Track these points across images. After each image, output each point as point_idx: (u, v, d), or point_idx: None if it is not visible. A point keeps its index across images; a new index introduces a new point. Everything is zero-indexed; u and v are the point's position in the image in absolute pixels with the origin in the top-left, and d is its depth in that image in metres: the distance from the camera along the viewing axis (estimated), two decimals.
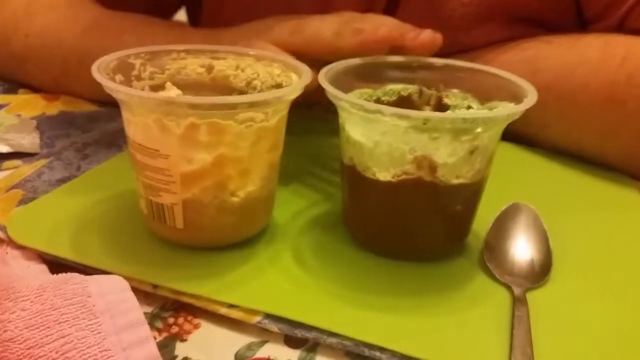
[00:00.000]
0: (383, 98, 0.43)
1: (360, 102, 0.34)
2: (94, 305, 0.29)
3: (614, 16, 0.53)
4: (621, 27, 0.52)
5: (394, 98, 0.43)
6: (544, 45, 0.53)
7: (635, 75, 0.47)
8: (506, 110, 0.35)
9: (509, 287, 0.36)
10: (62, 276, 0.30)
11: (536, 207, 0.40)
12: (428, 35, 0.43)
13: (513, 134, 0.55)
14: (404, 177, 0.35)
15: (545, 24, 0.56)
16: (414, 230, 0.37)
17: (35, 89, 0.62)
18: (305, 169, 0.48)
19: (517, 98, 0.36)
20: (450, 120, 0.32)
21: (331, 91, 0.35)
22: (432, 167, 0.34)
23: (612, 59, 0.49)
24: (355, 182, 0.37)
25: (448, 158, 0.34)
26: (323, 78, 0.36)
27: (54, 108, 0.59)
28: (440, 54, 0.53)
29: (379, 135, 0.34)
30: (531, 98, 0.35)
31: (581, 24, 0.56)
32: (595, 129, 0.50)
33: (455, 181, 0.35)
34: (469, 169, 0.35)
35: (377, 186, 0.36)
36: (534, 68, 0.52)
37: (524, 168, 0.52)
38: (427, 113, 0.32)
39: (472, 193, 0.37)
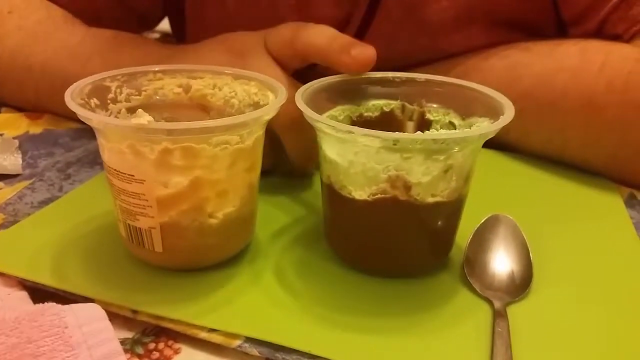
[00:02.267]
0: (366, 114, 0.43)
1: (333, 123, 0.34)
2: (70, 337, 0.29)
3: (592, 21, 0.53)
4: (600, 32, 0.53)
5: (376, 114, 0.43)
6: (524, 53, 0.53)
7: (614, 81, 0.47)
8: (478, 131, 0.35)
9: (489, 301, 0.36)
10: (39, 307, 0.31)
11: (516, 217, 0.40)
12: (364, 52, 0.41)
13: (494, 142, 0.55)
14: (379, 196, 0.35)
15: (525, 27, 0.56)
16: (393, 247, 0.37)
17: (18, 108, 0.61)
18: (288, 184, 0.48)
19: (496, 114, 0.36)
20: (420, 141, 0.32)
21: (306, 112, 0.35)
22: (407, 186, 0.34)
23: (591, 65, 0.49)
24: (333, 200, 0.38)
25: (422, 177, 0.34)
26: (299, 98, 0.36)
27: (38, 126, 0.58)
28: (422, 59, 0.53)
29: (353, 155, 0.35)
30: (507, 116, 0.35)
31: (561, 27, 0.56)
32: (576, 135, 0.50)
33: (431, 200, 0.35)
34: (445, 188, 0.35)
35: (353, 204, 0.36)
36: (514, 75, 0.52)
37: (505, 176, 0.52)
38: (397, 134, 0.32)
39: (450, 211, 0.37)
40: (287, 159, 0.46)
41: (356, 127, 0.33)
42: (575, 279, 0.39)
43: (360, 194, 0.35)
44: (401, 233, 0.36)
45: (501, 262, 0.38)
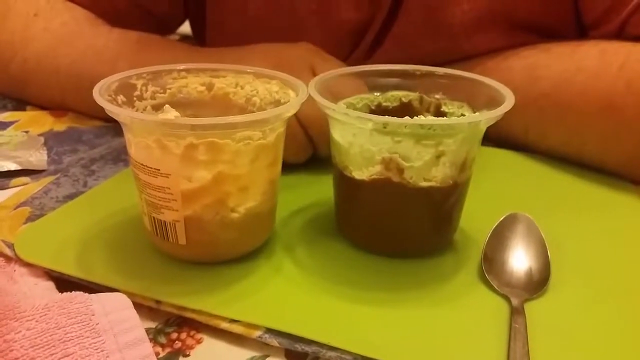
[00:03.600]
0: (384, 104, 0.44)
1: (332, 105, 0.36)
2: (97, 324, 0.29)
3: (613, 22, 0.53)
4: (620, 34, 0.53)
5: (395, 104, 0.44)
6: (543, 54, 0.54)
7: (634, 81, 0.47)
8: (466, 119, 0.38)
9: (507, 298, 0.36)
10: (66, 295, 0.31)
11: (534, 216, 0.40)
12: None
13: (513, 142, 0.56)
14: (375, 176, 0.37)
15: (546, 30, 0.56)
16: (391, 227, 0.39)
17: (42, 107, 0.63)
18: (306, 176, 0.49)
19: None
20: (407, 125, 0.34)
21: (317, 99, 0.37)
22: (400, 169, 0.36)
23: (611, 66, 0.49)
24: (339, 180, 0.40)
25: (414, 161, 0.36)
26: (312, 85, 0.38)
27: (62, 124, 0.60)
28: (441, 61, 0.54)
29: (352, 137, 0.37)
30: (503, 107, 0.36)
31: (581, 30, 0.56)
32: (594, 136, 0.50)
33: (424, 184, 0.36)
34: (437, 173, 0.36)
35: (354, 184, 0.38)
36: (533, 76, 0.53)
37: (523, 175, 0.52)
38: (386, 118, 0.34)
39: (445, 196, 0.38)
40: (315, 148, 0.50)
41: (352, 110, 0.35)
42: (593, 277, 0.39)
43: (359, 174, 0.37)
44: (397, 214, 0.38)
45: (519, 260, 0.38)
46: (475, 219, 0.42)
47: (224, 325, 0.34)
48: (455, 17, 0.55)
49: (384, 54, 0.58)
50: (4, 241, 0.40)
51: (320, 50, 0.52)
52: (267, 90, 0.41)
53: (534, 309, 0.35)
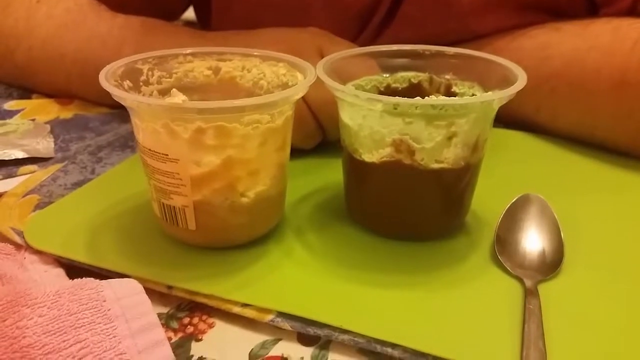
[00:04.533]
0: (393, 85, 0.44)
1: (341, 87, 0.36)
2: (109, 310, 0.29)
3: (624, 0, 0.52)
4: (633, 11, 0.52)
5: (404, 85, 0.44)
6: (554, 32, 0.53)
7: None
8: (478, 99, 0.37)
9: (520, 280, 0.36)
10: (77, 281, 0.31)
11: (547, 197, 0.40)
12: None
13: (524, 122, 0.55)
14: (385, 159, 0.36)
15: (555, 9, 0.55)
16: (401, 210, 0.39)
17: (48, 94, 0.63)
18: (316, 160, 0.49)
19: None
20: (419, 105, 0.34)
21: (325, 81, 0.36)
22: (410, 151, 0.35)
23: (624, 43, 0.48)
24: (348, 163, 0.40)
25: (425, 143, 0.35)
26: (320, 66, 0.38)
27: (68, 111, 0.59)
28: (450, 42, 0.53)
29: (361, 119, 0.36)
30: (515, 86, 0.35)
31: (591, 8, 0.55)
32: (607, 115, 0.49)
33: (435, 165, 0.36)
34: (449, 155, 0.36)
35: (364, 167, 0.38)
36: (545, 55, 0.52)
37: (535, 156, 0.52)
38: (397, 99, 0.34)
39: (456, 178, 0.37)
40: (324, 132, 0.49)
41: (362, 91, 0.35)
42: (606, 258, 0.38)
43: (369, 156, 0.37)
44: (408, 196, 0.38)
45: (532, 241, 0.38)
46: (487, 201, 0.41)
47: (236, 309, 0.34)
48: None
49: (392, 35, 0.58)
50: (13, 229, 0.40)
51: (329, 34, 0.51)
52: (274, 73, 0.41)
53: (548, 291, 0.35)
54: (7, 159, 0.49)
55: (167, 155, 0.34)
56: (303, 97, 0.39)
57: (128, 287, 0.31)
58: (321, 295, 0.35)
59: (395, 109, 0.34)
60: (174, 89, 0.39)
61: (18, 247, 0.39)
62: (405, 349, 0.31)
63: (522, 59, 0.50)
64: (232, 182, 0.35)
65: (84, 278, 0.32)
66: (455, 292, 0.35)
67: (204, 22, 0.71)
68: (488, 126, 0.37)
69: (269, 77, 0.41)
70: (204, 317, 0.34)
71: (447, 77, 0.42)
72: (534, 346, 0.30)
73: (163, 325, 0.33)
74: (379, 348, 0.31)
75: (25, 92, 0.63)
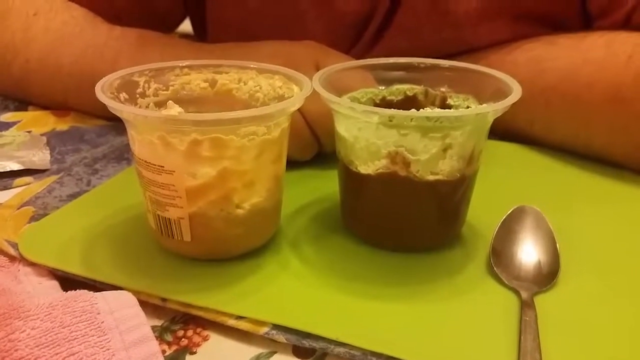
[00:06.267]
0: (389, 97, 0.44)
1: (337, 99, 0.36)
2: (102, 322, 0.29)
3: (619, 12, 0.52)
4: (627, 24, 0.52)
5: (399, 97, 0.44)
6: (548, 46, 0.53)
7: None
8: (473, 111, 0.37)
9: (516, 292, 0.36)
10: (71, 294, 0.31)
11: (543, 209, 0.40)
12: None
13: (519, 135, 0.55)
14: (381, 171, 0.36)
15: (551, 20, 0.56)
16: (397, 222, 0.39)
17: (44, 106, 0.63)
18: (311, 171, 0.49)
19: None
20: (414, 118, 0.34)
21: (321, 93, 0.36)
22: (406, 163, 0.36)
23: (618, 57, 0.48)
24: (344, 175, 0.40)
25: (420, 154, 0.35)
26: (317, 79, 0.38)
27: (65, 124, 0.60)
28: (445, 53, 0.53)
29: (357, 131, 0.37)
30: (509, 99, 0.36)
31: (586, 20, 0.56)
32: (602, 128, 0.50)
33: (431, 177, 0.36)
34: (444, 167, 0.36)
35: (360, 179, 0.38)
36: (539, 68, 0.52)
37: (530, 168, 0.52)
38: (393, 111, 0.34)
39: (452, 190, 0.37)
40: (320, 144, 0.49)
41: (358, 104, 0.35)
42: (602, 270, 0.38)
43: (365, 168, 0.37)
44: (404, 208, 0.38)
45: (528, 253, 0.38)
46: (482, 213, 0.41)
47: (231, 322, 0.33)
48: (460, 6, 0.54)
49: (387, 45, 0.58)
50: (7, 241, 0.39)
51: (325, 47, 0.51)
52: (271, 86, 0.41)
53: (544, 302, 0.35)
54: (2, 170, 0.49)
55: (162, 167, 0.34)
56: (299, 109, 0.39)
57: (122, 299, 0.31)
58: (317, 307, 0.34)
59: (391, 121, 0.34)
60: (170, 101, 0.39)
61: (12, 259, 0.38)
62: None
63: (517, 73, 0.51)
64: (227, 194, 0.35)
65: (77, 290, 0.32)
66: (451, 304, 0.35)
67: (200, 33, 0.71)
68: (483, 138, 0.37)
69: (265, 90, 0.41)
70: (198, 330, 0.34)
71: (442, 89, 0.43)
72: (530, 358, 0.30)
73: (157, 337, 0.33)
74: None
75: (22, 104, 0.63)
